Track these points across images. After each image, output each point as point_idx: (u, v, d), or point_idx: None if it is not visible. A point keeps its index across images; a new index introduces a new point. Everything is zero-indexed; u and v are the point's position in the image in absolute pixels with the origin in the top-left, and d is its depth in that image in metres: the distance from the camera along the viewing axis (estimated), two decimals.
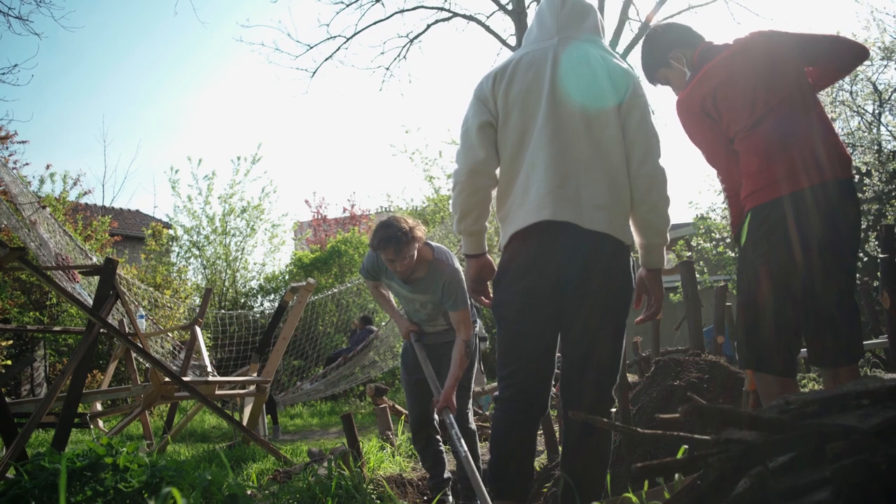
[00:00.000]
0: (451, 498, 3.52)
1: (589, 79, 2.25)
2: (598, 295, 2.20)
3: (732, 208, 2.54)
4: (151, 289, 9.09)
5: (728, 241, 14.79)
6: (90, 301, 5.14)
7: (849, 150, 13.33)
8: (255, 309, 13.56)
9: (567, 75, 2.26)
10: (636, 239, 2.31)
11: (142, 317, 6.88)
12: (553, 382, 2.36)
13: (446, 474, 3.57)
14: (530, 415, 2.28)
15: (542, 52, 2.31)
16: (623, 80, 2.27)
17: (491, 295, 2.41)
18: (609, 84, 2.25)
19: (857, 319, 2.36)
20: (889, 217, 11.30)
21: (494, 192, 2.36)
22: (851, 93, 13.49)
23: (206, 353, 6.12)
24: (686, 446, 2.39)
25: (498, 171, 2.34)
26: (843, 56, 2.49)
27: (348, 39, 13.51)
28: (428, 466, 3.58)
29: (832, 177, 2.35)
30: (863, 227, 11.48)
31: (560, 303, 2.23)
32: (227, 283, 13.71)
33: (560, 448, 2.52)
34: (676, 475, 2.17)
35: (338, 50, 13.55)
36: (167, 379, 4.70)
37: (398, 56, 13.74)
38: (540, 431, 4.22)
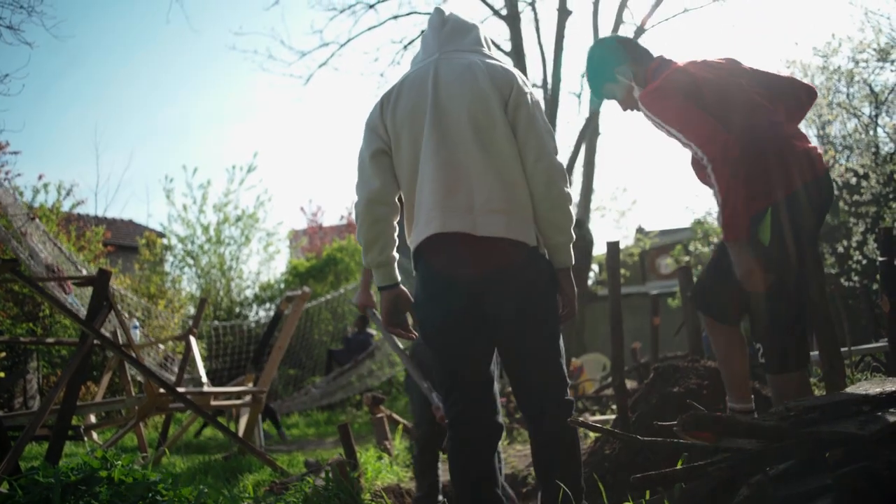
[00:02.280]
0: None
1: (471, 84, 2.22)
2: (513, 303, 2.17)
3: (724, 178, 2.32)
4: (145, 299, 9.05)
5: None
6: (83, 312, 5.11)
7: (846, 152, 13.36)
8: (251, 318, 13.52)
9: (448, 84, 2.23)
10: (542, 239, 2.26)
11: (136, 327, 6.84)
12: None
13: (440, 497, 3.46)
14: (479, 435, 2.25)
15: (424, 69, 2.30)
16: (505, 80, 2.24)
17: (409, 327, 2.39)
18: (491, 86, 2.21)
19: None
20: (887, 220, 11.32)
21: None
22: (848, 95, 13.53)
23: (200, 364, 6.09)
24: (686, 454, 2.37)
25: (400, 198, 2.32)
26: (801, 96, 2.58)
27: (342, 46, 13.59)
28: (425, 485, 3.42)
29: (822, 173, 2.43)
30: (861, 229, 11.56)
31: (478, 315, 2.20)
32: (221, 293, 13.67)
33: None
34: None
35: (332, 56, 13.79)
36: (162, 390, 4.67)
37: (392, 62, 13.80)
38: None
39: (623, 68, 2.64)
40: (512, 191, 2.18)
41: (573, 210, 2.27)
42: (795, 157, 2.40)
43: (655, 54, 2.69)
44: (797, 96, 2.59)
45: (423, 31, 2.48)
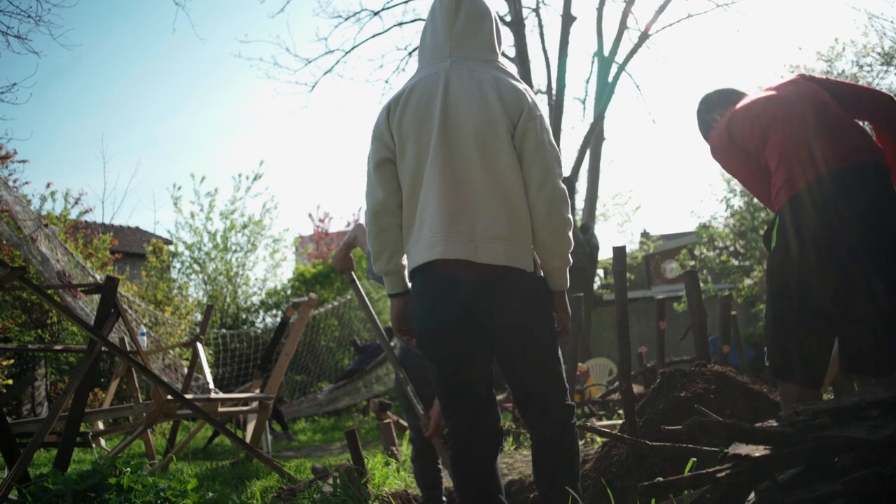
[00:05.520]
0: None
1: (480, 104, 2.19)
2: (510, 311, 2.19)
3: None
4: (152, 306, 9.08)
5: (731, 248, 14.76)
6: (91, 318, 5.13)
7: None
8: (257, 324, 13.54)
9: (458, 103, 2.21)
10: (539, 263, 2.27)
11: (143, 334, 6.87)
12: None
13: (444, 497, 3.44)
14: (481, 444, 2.26)
15: (434, 78, 2.26)
16: (516, 102, 2.20)
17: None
18: (500, 108, 2.18)
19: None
20: None
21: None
22: None
23: (207, 370, 6.10)
24: (694, 459, 2.37)
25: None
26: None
27: (347, 53, 13.63)
28: (426, 486, 3.40)
29: (825, 170, 2.35)
30: None
31: (475, 325, 2.22)
32: (228, 299, 13.69)
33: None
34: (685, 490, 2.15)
35: (336, 63, 13.67)
36: (169, 397, 4.68)
37: (397, 69, 13.82)
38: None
39: (713, 115, 2.80)
40: (514, 217, 2.18)
41: (571, 236, 2.25)
42: (809, 152, 2.38)
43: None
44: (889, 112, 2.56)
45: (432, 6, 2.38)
